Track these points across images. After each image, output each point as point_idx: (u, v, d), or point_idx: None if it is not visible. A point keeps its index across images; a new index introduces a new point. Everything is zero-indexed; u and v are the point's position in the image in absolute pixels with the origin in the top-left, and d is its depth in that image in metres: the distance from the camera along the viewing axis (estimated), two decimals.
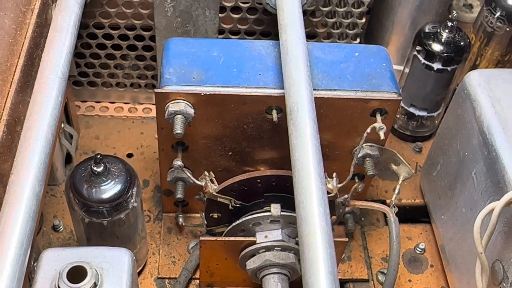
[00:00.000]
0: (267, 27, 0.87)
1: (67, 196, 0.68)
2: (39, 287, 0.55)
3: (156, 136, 0.92)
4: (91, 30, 0.87)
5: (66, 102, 0.85)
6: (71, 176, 0.67)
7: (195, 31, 0.86)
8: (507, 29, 0.85)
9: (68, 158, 0.88)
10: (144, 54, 0.90)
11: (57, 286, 0.54)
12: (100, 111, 0.97)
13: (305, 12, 0.83)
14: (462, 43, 0.85)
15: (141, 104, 0.98)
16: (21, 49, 0.63)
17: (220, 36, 0.87)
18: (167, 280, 0.78)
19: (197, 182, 0.72)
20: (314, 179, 0.54)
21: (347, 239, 0.71)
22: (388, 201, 0.89)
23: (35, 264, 0.63)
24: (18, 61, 0.62)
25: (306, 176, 0.54)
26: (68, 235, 0.81)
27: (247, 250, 0.70)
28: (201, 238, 0.70)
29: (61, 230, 0.82)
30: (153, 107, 0.98)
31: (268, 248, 0.69)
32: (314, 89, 0.65)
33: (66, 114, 0.87)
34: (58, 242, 0.81)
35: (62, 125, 0.84)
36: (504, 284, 0.63)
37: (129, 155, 0.91)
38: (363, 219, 0.87)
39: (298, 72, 0.62)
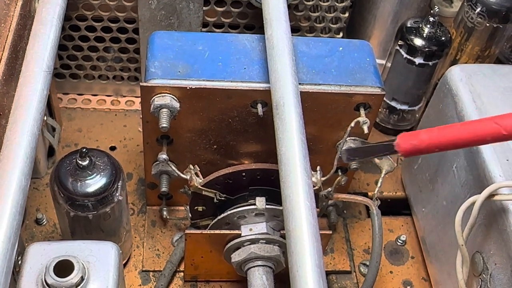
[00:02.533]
0: (251, 20, 0.87)
1: (51, 189, 0.67)
2: (25, 281, 0.55)
3: (139, 129, 0.92)
4: (73, 22, 0.86)
5: (48, 95, 0.84)
6: (56, 169, 0.66)
7: (179, 24, 0.86)
8: (487, 24, 0.87)
9: (50, 151, 0.88)
10: (127, 46, 0.90)
11: (43, 280, 0.54)
12: (83, 104, 0.96)
13: (289, 6, 0.83)
14: (443, 38, 0.86)
15: (124, 96, 0.98)
16: (5, 42, 0.62)
17: (204, 29, 0.87)
18: (151, 273, 0.79)
19: (182, 175, 0.73)
20: (300, 173, 0.54)
21: (331, 232, 0.72)
22: (370, 193, 0.90)
23: (18, 258, 0.63)
24: (2, 54, 0.61)
25: (292, 170, 0.55)
26: (52, 229, 0.81)
27: (232, 243, 0.70)
28: (187, 231, 0.70)
29: (44, 223, 0.81)
30: (136, 100, 0.98)
31: (253, 241, 0.70)
32: (299, 84, 0.65)
33: (49, 107, 0.86)
34: (41, 236, 0.80)
35: (45, 118, 0.83)
36: (483, 275, 0.64)
37: (112, 148, 0.91)
38: (345, 211, 0.88)
39: (284, 66, 0.62)
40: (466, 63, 0.92)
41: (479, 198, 0.61)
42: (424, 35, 0.86)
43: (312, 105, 0.69)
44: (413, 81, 0.90)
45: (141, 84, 0.67)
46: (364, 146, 0.68)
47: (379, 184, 0.73)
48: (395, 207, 0.90)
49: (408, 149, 0.56)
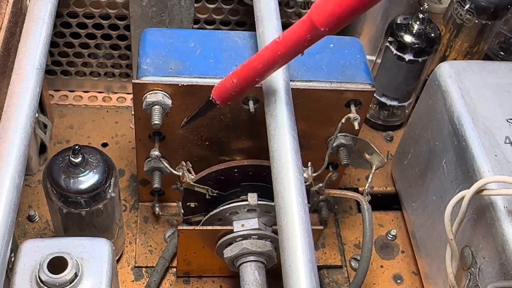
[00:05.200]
0: (242, 17, 0.87)
1: (44, 186, 0.67)
2: (19, 278, 0.56)
3: (131, 125, 0.93)
4: (65, 19, 0.86)
5: None
6: (49, 166, 0.67)
7: (170, 21, 0.86)
8: (476, 21, 0.87)
9: (42, 148, 0.88)
10: (119, 43, 0.90)
11: (37, 277, 0.55)
12: (74, 100, 0.96)
13: (279, 3, 0.84)
14: (432, 35, 0.87)
15: (115, 93, 0.98)
16: None
17: (195, 26, 0.88)
18: (144, 269, 0.79)
19: (174, 172, 0.73)
20: (292, 169, 0.55)
21: (322, 227, 0.73)
22: (360, 189, 0.91)
23: (11, 255, 0.63)
24: None
25: (284, 166, 0.55)
26: (44, 225, 0.81)
27: (224, 238, 0.71)
28: (179, 227, 0.71)
29: (36, 220, 0.81)
30: (128, 96, 0.98)
31: (245, 237, 0.70)
32: (290, 80, 0.66)
33: (40, 104, 0.86)
34: (33, 233, 0.80)
35: (36, 115, 0.83)
36: (472, 269, 0.65)
37: (104, 145, 0.91)
38: (336, 207, 0.89)
39: None
40: (455, 59, 0.93)
41: (468, 193, 0.62)
42: (414, 31, 0.87)
43: (303, 102, 0.70)
44: (403, 77, 0.91)
45: (133, 81, 0.67)
46: (194, 113, 0.67)
47: (369, 180, 0.74)
48: (385, 202, 0.91)
49: (221, 95, 0.60)
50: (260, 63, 0.55)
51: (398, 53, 0.88)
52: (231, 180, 0.74)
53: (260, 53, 0.55)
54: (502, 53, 0.98)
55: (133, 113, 0.70)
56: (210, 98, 0.62)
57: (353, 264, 0.83)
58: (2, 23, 0.64)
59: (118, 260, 0.79)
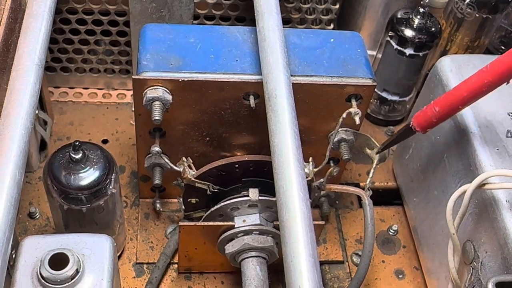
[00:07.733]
0: (242, 12, 0.87)
1: (45, 183, 0.67)
2: (20, 275, 0.56)
3: (131, 121, 0.92)
4: (64, 15, 0.86)
5: None
6: (49, 163, 0.66)
7: (170, 17, 0.86)
8: (477, 15, 0.87)
9: (42, 145, 0.88)
10: (118, 39, 0.90)
11: (39, 274, 0.55)
12: (74, 97, 0.96)
13: None
14: (433, 29, 0.87)
15: (115, 89, 0.98)
16: None
17: (195, 22, 0.87)
18: (145, 265, 0.79)
19: (175, 168, 0.73)
20: (293, 164, 0.55)
21: (323, 222, 0.73)
22: (361, 184, 0.90)
23: (12, 251, 0.63)
24: None
25: (285, 162, 0.55)
26: (45, 222, 0.81)
27: (225, 234, 0.71)
28: (180, 223, 0.71)
29: (37, 217, 0.81)
30: (128, 93, 0.98)
31: (246, 232, 0.70)
32: (291, 75, 0.65)
33: (40, 100, 0.86)
34: (34, 229, 0.80)
35: (36, 112, 0.83)
36: (474, 263, 0.65)
37: (104, 141, 0.91)
38: (337, 202, 0.88)
39: (276, 59, 0.63)
40: (456, 53, 0.93)
41: (470, 187, 0.62)
42: (415, 26, 0.86)
43: (304, 97, 0.69)
44: (403, 72, 0.90)
45: (133, 77, 0.67)
46: (389, 139, 0.73)
47: (370, 175, 0.74)
48: (386, 197, 0.90)
49: (424, 126, 0.66)
50: (465, 91, 0.60)
51: (399, 48, 0.88)
52: (232, 176, 0.74)
53: (466, 82, 0.60)
54: (503, 47, 0.98)
55: (133, 109, 0.70)
56: (410, 125, 0.67)
57: (354, 260, 0.83)
58: (2, 19, 0.64)
59: (119, 257, 0.79)
